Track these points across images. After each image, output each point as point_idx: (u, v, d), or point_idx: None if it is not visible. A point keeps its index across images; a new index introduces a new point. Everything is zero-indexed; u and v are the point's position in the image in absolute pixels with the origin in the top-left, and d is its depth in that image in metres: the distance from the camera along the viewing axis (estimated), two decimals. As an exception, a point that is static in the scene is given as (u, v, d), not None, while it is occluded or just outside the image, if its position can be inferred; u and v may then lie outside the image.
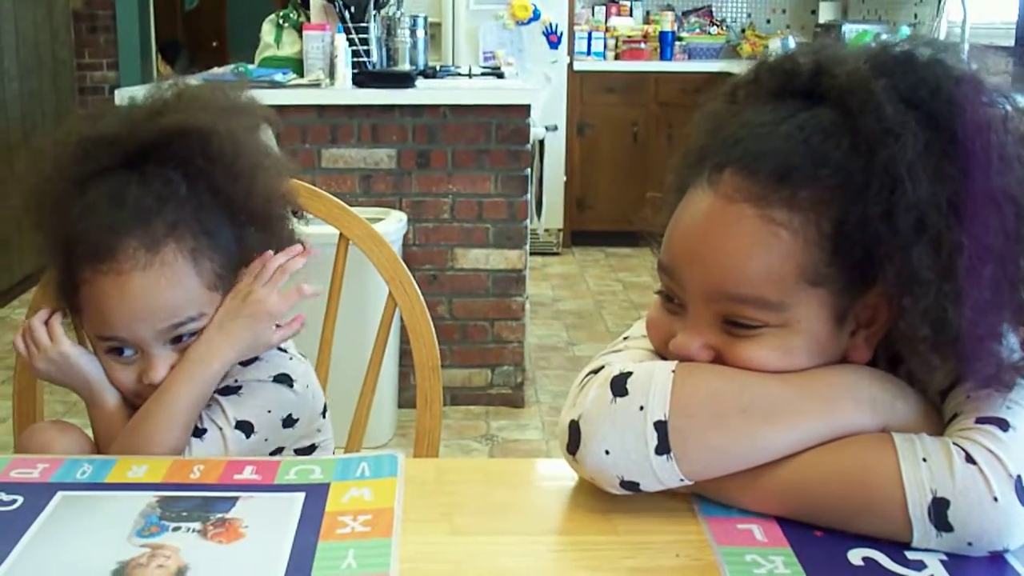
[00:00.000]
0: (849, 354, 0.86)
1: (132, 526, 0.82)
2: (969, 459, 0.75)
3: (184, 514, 0.84)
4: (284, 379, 1.13)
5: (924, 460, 0.76)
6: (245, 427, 1.09)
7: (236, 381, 1.12)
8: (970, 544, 0.76)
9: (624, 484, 0.83)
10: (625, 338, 0.97)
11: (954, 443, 0.77)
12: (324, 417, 1.21)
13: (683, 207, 0.87)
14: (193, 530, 0.81)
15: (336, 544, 0.79)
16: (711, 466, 0.82)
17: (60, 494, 0.88)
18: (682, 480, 0.82)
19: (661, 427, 0.81)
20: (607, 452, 0.82)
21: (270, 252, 1.13)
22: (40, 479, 0.91)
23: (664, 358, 0.88)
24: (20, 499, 0.87)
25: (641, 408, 0.82)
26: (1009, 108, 0.81)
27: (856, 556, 0.77)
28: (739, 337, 0.84)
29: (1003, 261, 0.79)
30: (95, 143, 1.07)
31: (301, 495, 0.87)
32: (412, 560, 0.78)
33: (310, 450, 1.19)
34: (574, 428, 0.84)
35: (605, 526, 0.84)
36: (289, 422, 1.13)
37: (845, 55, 0.86)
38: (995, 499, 0.74)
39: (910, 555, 0.77)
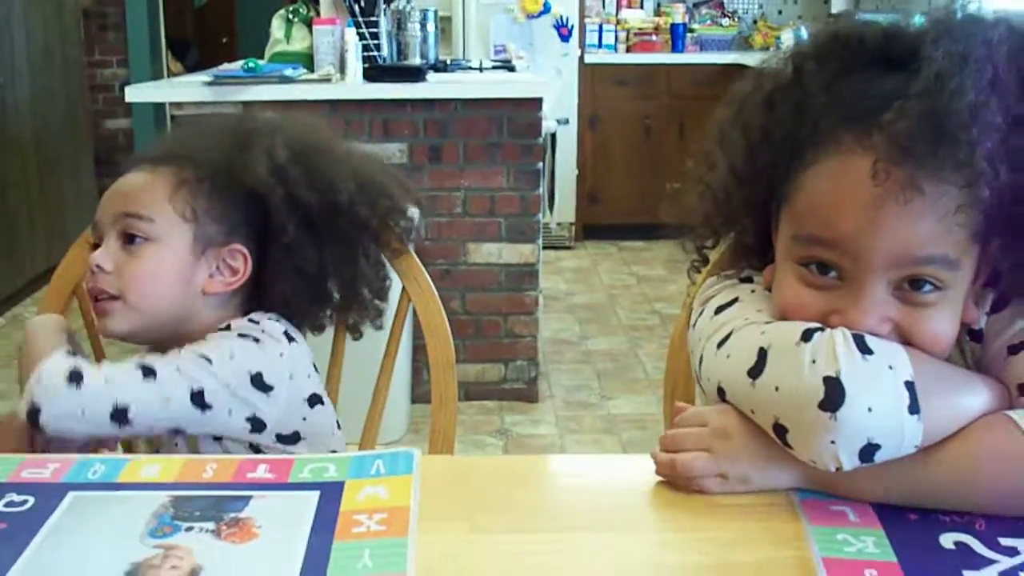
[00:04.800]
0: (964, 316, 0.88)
1: (145, 526, 0.81)
2: None
3: (197, 514, 0.83)
4: (247, 336, 1.14)
5: None
6: (204, 359, 1.10)
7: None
8: None
9: (863, 450, 0.79)
10: (718, 309, 0.95)
11: None
12: (312, 408, 1.18)
13: (830, 177, 0.85)
14: (206, 530, 0.80)
15: (351, 544, 0.78)
16: (947, 429, 0.81)
17: (72, 494, 0.87)
18: (915, 447, 0.80)
19: (910, 387, 0.79)
20: (870, 409, 0.79)
21: None
22: (51, 479, 0.90)
23: None
24: (31, 499, 0.86)
25: (890, 367, 0.80)
26: None
27: (948, 540, 0.77)
28: (916, 306, 0.84)
29: None
30: None
31: (315, 494, 0.86)
32: (430, 559, 0.76)
33: (293, 438, 1.16)
34: (835, 385, 0.79)
35: (628, 521, 0.82)
36: (260, 384, 1.11)
37: (904, 22, 0.96)
38: None
39: (1003, 541, 0.76)
